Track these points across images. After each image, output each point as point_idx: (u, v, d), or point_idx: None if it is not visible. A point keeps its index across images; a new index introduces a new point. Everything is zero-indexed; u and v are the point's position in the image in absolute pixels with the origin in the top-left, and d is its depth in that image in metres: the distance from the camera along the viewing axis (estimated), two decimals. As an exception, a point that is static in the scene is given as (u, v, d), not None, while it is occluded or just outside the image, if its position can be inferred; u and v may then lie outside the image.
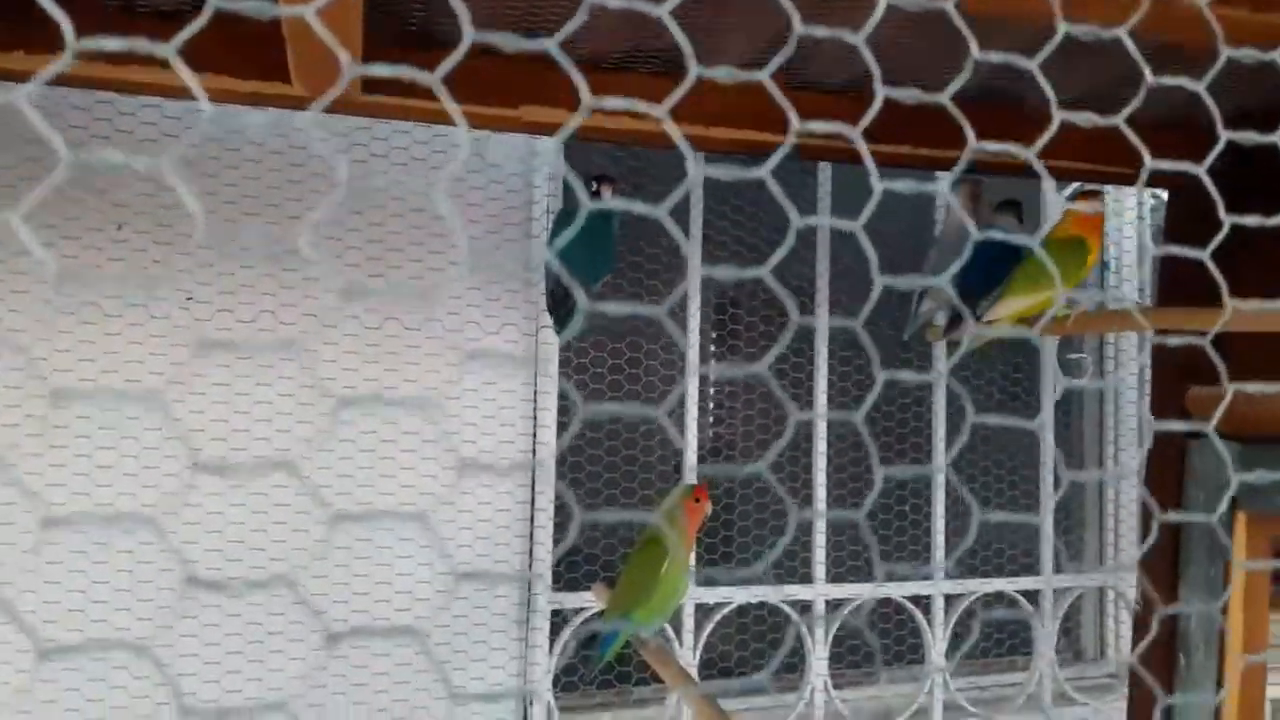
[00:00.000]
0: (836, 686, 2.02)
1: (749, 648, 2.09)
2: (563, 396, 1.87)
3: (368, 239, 1.76)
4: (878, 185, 0.55)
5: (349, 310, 1.75)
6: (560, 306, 1.67)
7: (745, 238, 2.10)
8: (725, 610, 1.93)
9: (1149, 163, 0.66)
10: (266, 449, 1.69)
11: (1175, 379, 1.67)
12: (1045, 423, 2.17)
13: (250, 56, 1.27)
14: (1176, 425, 1.64)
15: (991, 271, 1.57)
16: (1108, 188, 2.12)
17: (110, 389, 1.61)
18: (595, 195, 1.63)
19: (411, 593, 1.76)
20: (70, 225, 1.62)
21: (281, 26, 1.03)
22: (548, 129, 1.38)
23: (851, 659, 2.15)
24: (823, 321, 2.02)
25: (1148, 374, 2.18)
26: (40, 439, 1.60)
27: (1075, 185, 1.84)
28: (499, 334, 1.83)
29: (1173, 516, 1.60)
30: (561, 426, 1.87)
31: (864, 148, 0.55)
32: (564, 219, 1.70)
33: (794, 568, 2.10)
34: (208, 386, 1.67)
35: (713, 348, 2.14)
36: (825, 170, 2.04)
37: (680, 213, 2.01)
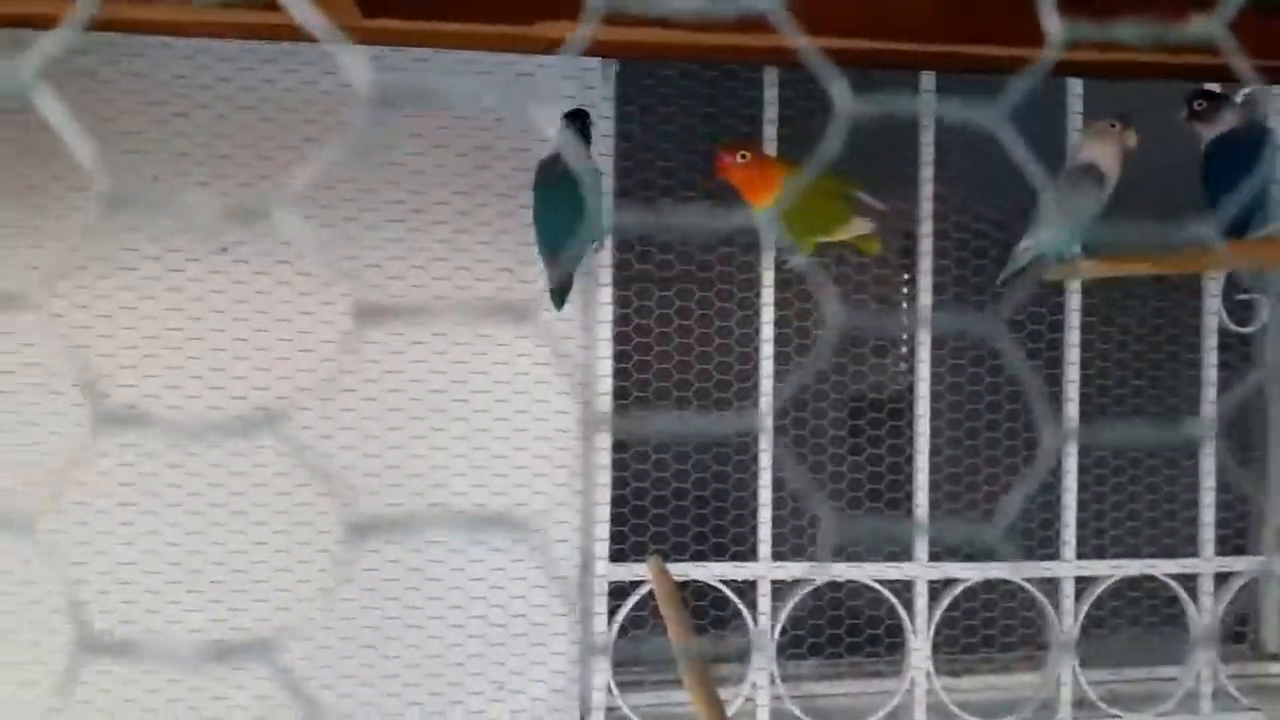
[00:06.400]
0: (944, 674, 1.78)
1: (842, 625, 1.86)
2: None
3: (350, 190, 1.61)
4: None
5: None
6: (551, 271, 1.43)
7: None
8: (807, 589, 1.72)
9: None
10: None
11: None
12: (1206, 376, 1.81)
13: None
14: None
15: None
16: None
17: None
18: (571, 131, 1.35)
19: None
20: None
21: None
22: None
23: (967, 642, 1.89)
24: (926, 259, 1.73)
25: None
26: None
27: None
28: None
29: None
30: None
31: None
32: (549, 168, 1.42)
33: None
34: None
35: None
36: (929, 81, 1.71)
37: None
